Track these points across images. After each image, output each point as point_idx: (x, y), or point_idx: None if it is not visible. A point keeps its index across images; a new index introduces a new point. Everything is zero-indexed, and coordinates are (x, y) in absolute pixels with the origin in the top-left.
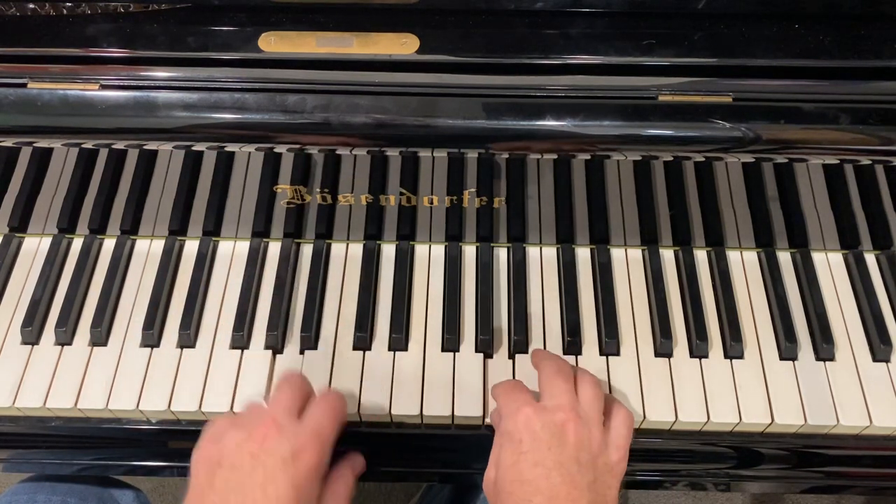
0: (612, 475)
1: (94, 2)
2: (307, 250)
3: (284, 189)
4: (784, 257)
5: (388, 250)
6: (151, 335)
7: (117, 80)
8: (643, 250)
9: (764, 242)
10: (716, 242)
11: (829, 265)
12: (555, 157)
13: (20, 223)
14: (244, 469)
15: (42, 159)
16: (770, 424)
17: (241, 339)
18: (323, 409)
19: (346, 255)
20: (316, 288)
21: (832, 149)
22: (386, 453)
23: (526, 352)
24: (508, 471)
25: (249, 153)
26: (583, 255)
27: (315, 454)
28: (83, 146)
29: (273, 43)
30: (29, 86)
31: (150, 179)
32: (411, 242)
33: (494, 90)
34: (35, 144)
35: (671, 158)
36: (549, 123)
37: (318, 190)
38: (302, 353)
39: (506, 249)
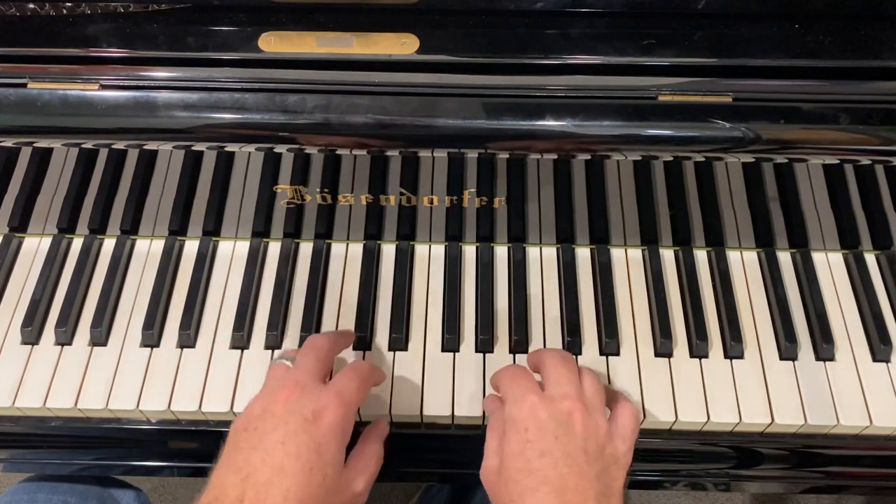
0: (619, 466)
1: (94, 2)
2: (307, 250)
3: (284, 189)
4: (784, 257)
5: (388, 250)
6: (151, 335)
7: (117, 80)
8: (643, 250)
9: (764, 242)
10: (716, 242)
11: (829, 265)
12: (555, 157)
13: (20, 223)
14: (266, 428)
15: (42, 159)
16: (770, 424)
17: (241, 339)
18: (349, 374)
19: (346, 255)
20: (316, 288)
21: (832, 149)
22: (386, 453)
23: (526, 351)
24: (514, 459)
25: (249, 153)
26: (583, 255)
27: (336, 414)
28: (83, 146)
29: (273, 43)
30: (29, 86)
31: (150, 179)
32: (411, 242)
33: (494, 90)
34: (35, 144)
35: (671, 158)
36: (549, 123)
37: (318, 190)
38: None
39: (506, 249)
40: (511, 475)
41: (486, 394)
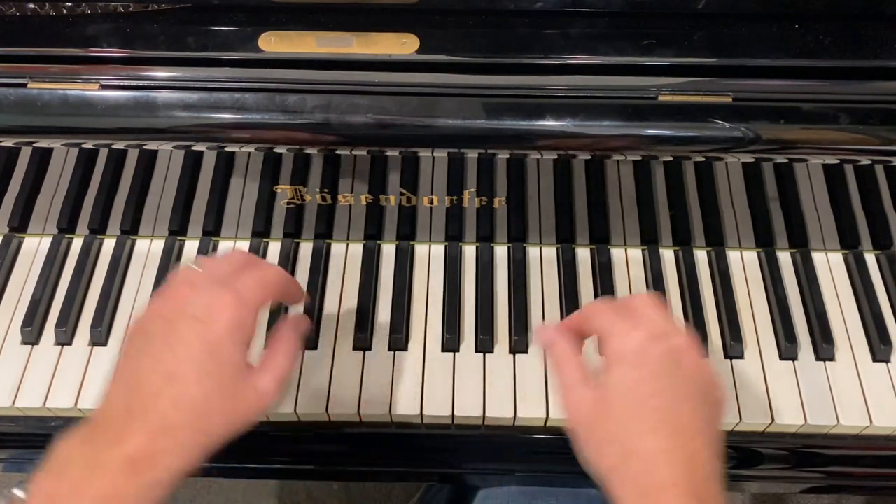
0: (720, 412)
1: (94, 2)
2: (307, 250)
3: (284, 189)
4: (784, 257)
5: (388, 250)
6: None
7: (117, 80)
8: (643, 250)
9: (764, 242)
10: (716, 242)
11: (829, 265)
12: (555, 157)
13: (20, 223)
14: (156, 332)
15: (42, 159)
16: (770, 424)
17: None
18: (252, 275)
19: (346, 255)
20: (316, 288)
21: (832, 149)
22: (386, 453)
23: (526, 352)
24: (625, 396)
25: (249, 153)
26: (583, 255)
27: (231, 313)
28: (83, 146)
29: (273, 43)
30: (29, 86)
31: (150, 179)
32: (411, 242)
33: (494, 90)
34: (35, 144)
35: (671, 158)
36: (549, 123)
37: (318, 190)
38: (302, 352)
39: (506, 249)
40: (623, 412)
41: (487, 386)
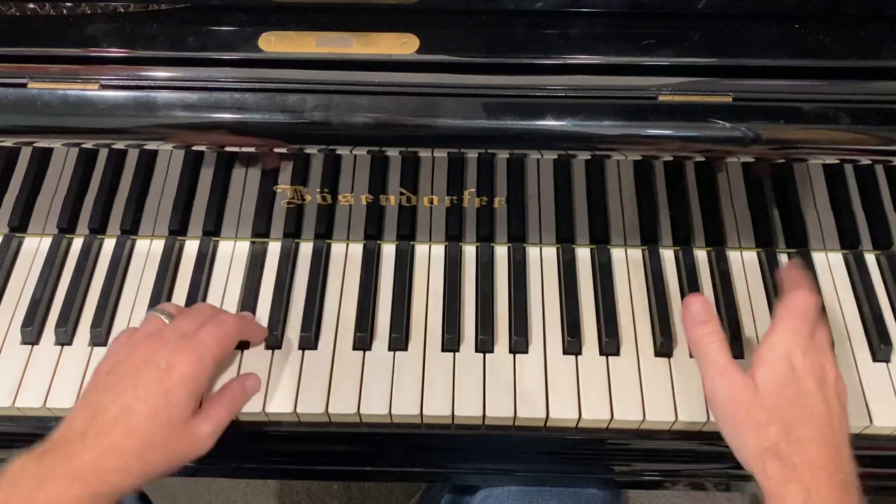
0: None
1: (94, 2)
2: (307, 250)
3: (284, 189)
4: (784, 257)
5: (388, 250)
6: None
7: (117, 80)
8: (643, 250)
9: (764, 242)
10: (716, 242)
11: (829, 265)
12: (555, 156)
13: (20, 223)
14: (123, 373)
15: (42, 159)
16: None
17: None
18: (210, 330)
19: (346, 255)
20: (316, 288)
21: (832, 149)
22: (386, 453)
23: (526, 352)
24: (781, 388)
25: (250, 153)
26: (583, 255)
27: (189, 365)
28: (83, 146)
29: (273, 43)
30: (29, 86)
31: (150, 179)
32: (411, 242)
33: (494, 90)
34: (35, 144)
35: (671, 158)
36: (549, 123)
37: (318, 190)
38: (302, 352)
39: (506, 249)
40: (780, 400)
41: (487, 386)
